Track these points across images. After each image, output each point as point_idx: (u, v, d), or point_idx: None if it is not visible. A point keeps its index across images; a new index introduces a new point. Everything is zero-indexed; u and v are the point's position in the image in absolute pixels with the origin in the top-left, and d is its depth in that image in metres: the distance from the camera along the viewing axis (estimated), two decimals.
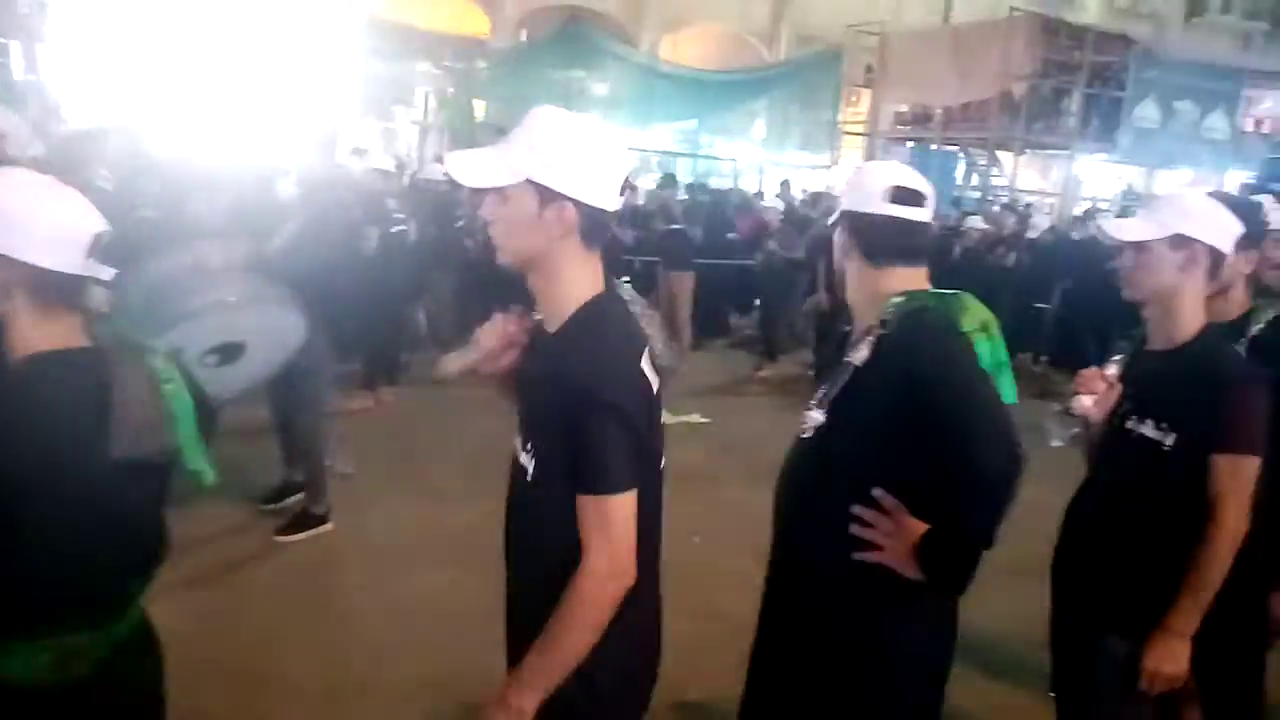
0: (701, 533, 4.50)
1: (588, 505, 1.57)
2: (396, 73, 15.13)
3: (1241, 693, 2.68)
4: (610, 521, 1.56)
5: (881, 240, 2.01)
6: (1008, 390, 1.91)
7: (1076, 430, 2.33)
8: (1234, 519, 2.09)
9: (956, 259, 9.67)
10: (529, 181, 1.57)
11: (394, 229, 7.28)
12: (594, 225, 1.62)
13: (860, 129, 18.76)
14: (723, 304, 10.85)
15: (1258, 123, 18.04)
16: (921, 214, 1.99)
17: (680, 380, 8.23)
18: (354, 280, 5.33)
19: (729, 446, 6.63)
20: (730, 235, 10.23)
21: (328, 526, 4.65)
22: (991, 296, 8.56)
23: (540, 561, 1.67)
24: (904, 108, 18.06)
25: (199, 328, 3.58)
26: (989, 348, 1.91)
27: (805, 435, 2.08)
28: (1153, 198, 2.59)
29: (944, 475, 1.83)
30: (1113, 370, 2.28)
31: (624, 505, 1.56)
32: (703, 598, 3.52)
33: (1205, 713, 2.73)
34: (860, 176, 2.10)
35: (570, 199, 1.57)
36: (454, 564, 4.26)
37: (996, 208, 13.04)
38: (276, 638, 3.67)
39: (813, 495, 2.08)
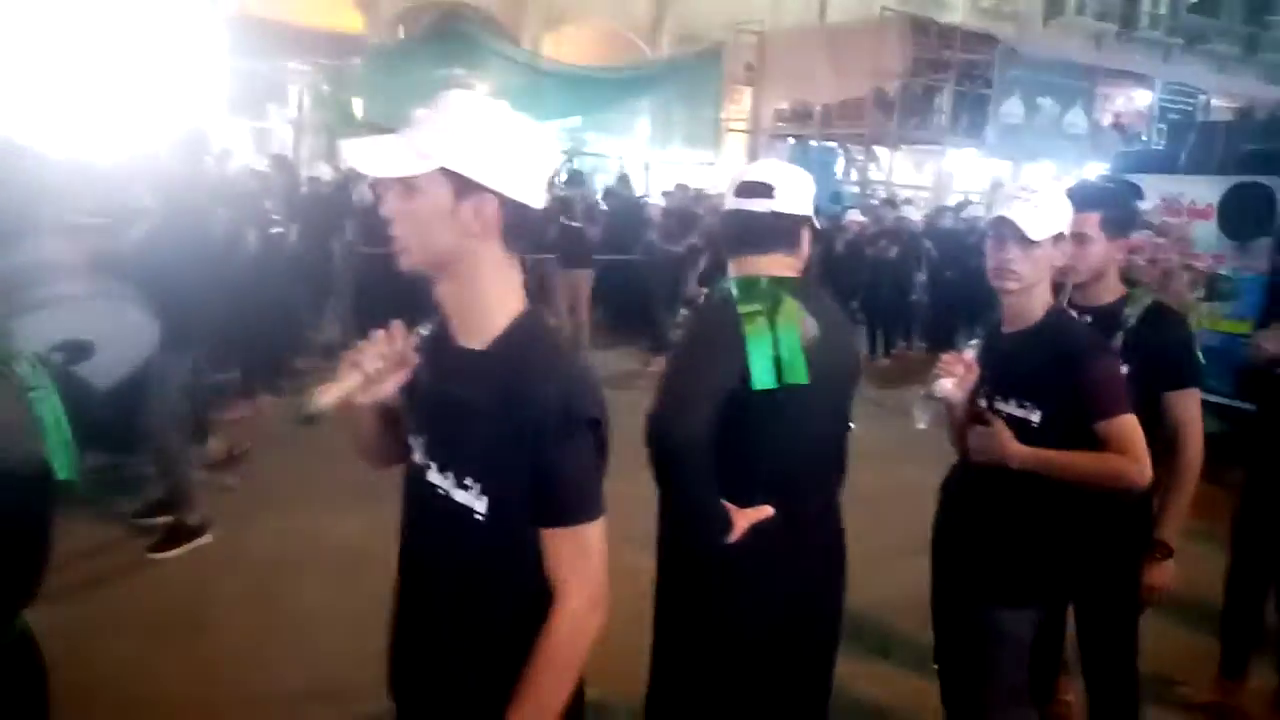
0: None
1: (562, 538, 1.43)
2: (267, 70, 14.62)
3: (1117, 660, 2.79)
4: (588, 553, 1.44)
5: (729, 232, 2.21)
6: (798, 372, 2.05)
7: (941, 412, 2.40)
8: (1140, 468, 2.20)
9: (840, 252, 9.94)
10: (443, 170, 1.38)
11: (271, 230, 7.04)
12: (518, 224, 1.43)
13: (743, 126, 19.08)
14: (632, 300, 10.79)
15: (1117, 116, 19.11)
16: (766, 204, 2.11)
17: None
18: (226, 284, 5.13)
19: (615, 440, 6.65)
20: (651, 236, 10.20)
21: (206, 539, 4.46)
22: (873, 287, 8.84)
23: (498, 609, 1.49)
24: (784, 105, 18.43)
25: (41, 321, 3.38)
26: (770, 333, 2.04)
27: None
28: (1025, 188, 2.68)
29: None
30: (970, 353, 2.35)
31: (600, 533, 1.45)
32: None
33: (1085, 680, 2.86)
34: (730, 178, 2.26)
35: (492, 191, 1.40)
36: (341, 574, 4.14)
37: (875, 202, 13.46)
38: (152, 657, 3.50)
39: None
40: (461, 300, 1.47)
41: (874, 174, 17.42)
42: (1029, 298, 2.31)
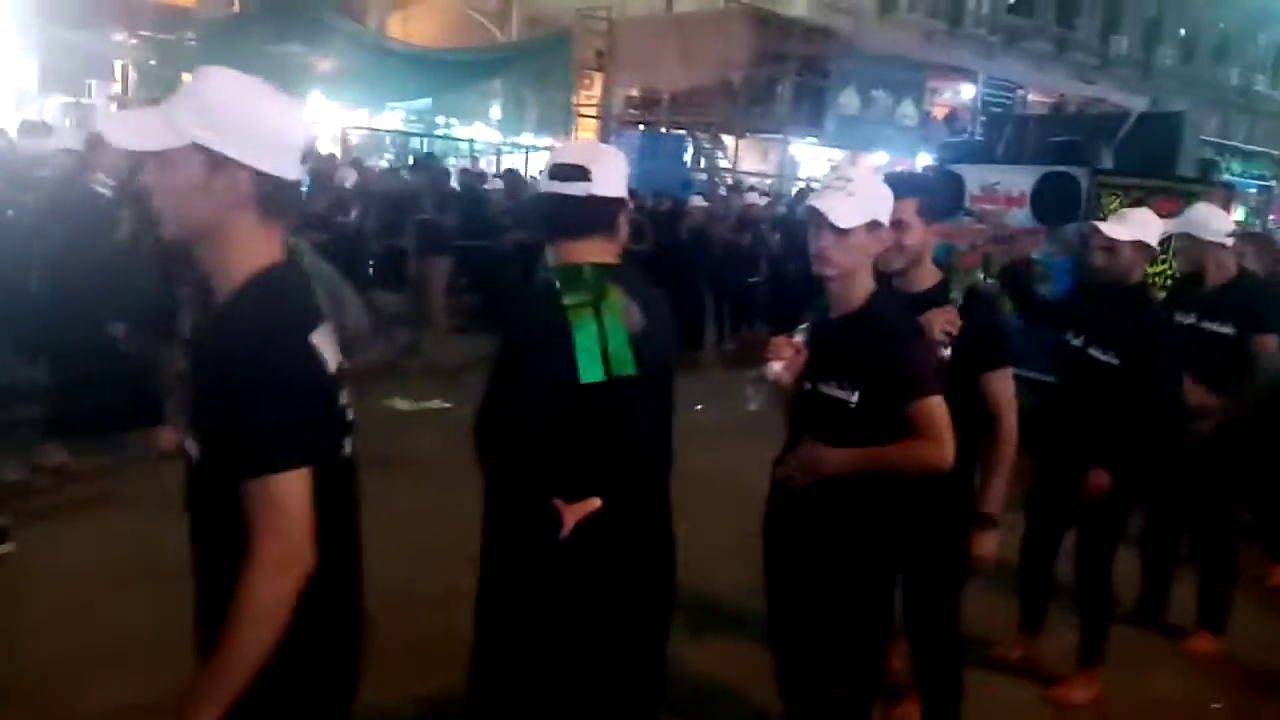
0: (440, 516, 4.40)
1: (252, 489, 1.42)
2: (87, 43, 13.65)
3: (941, 625, 2.95)
4: (277, 504, 1.42)
5: (546, 217, 2.15)
6: (626, 364, 2.04)
7: (772, 393, 2.46)
8: (941, 451, 2.29)
9: (684, 238, 10.13)
10: (195, 145, 1.43)
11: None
12: (273, 195, 1.50)
13: (594, 112, 19.14)
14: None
15: (952, 110, 20.19)
16: (583, 187, 2.06)
17: (429, 365, 8.05)
18: (35, 277, 4.79)
19: (468, 431, 6.59)
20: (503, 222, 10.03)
21: (7, 547, 4.12)
22: (720, 272, 8.96)
23: (215, 560, 1.51)
24: (635, 92, 18.63)
25: None
26: (594, 325, 2.01)
27: None
28: (842, 177, 2.75)
29: None
30: (799, 337, 2.43)
31: (292, 485, 1.43)
32: (443, 583, 3.54)
33: (910, 645, 3.02)
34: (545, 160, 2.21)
35: (244, 165, 1.45)
36: (163, 579, 3.91)
37: (722, 190, 13.80)
38: None
39: None
40: (215, 265, 1.53)
41: (721, 161, 17.84)
42: (850, 284, 2.37)
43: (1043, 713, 3.56)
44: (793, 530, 2.51)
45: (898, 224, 2.58)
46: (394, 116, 16.60)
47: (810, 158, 19.45)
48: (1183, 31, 33.61)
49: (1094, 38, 30.50)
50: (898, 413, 2.29)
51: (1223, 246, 3.95)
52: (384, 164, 13.03)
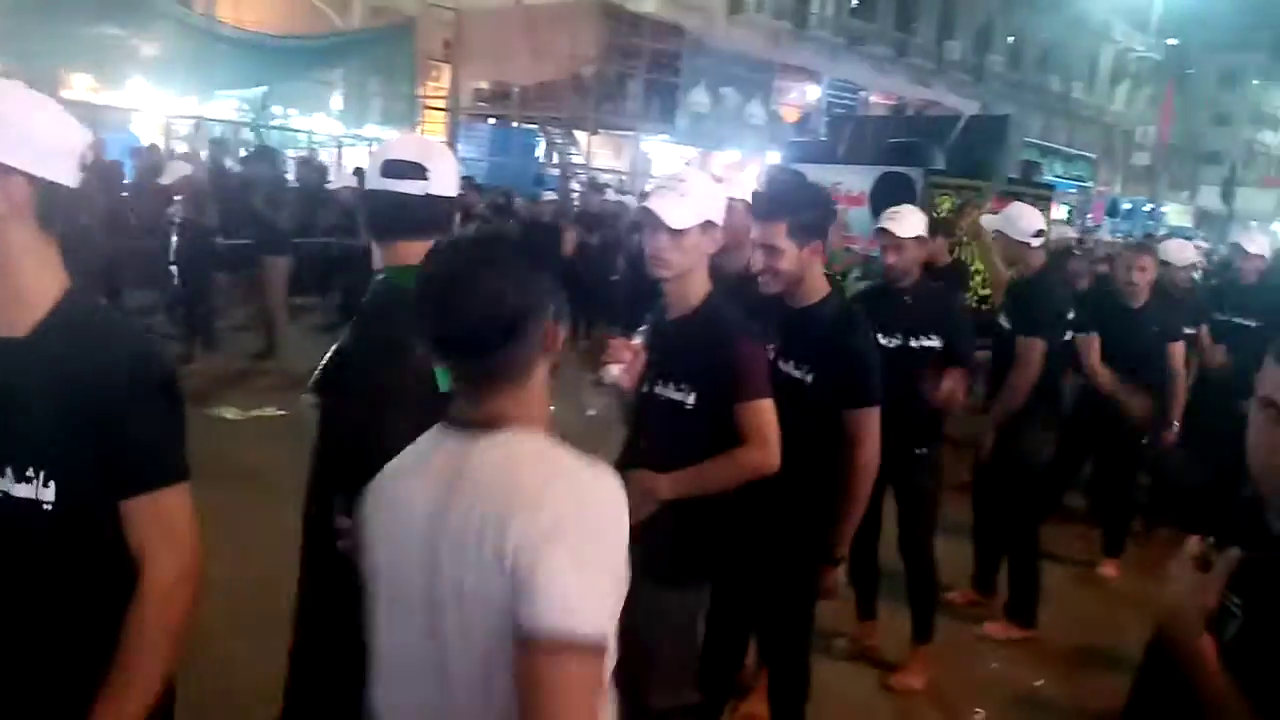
0: (279, 534, 4.17)
1: (141, 507, 1.40)
2: None
3: (792, 641, 2.93)
4: (171, 517, 1.42)
5: (379, 216, 2.02)
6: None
7: (612, 398, 2.42)
8: (765, 455, 2.27)
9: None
10: None
11: None
12: (51, 204, 1.40)
13: (442, 104, 18.71)
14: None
15: (802, 110, 20.73)
16: (420, 186, 1.96)
17: (266, 370, 7.60)
18: None
19: (305, 439, 6.30)
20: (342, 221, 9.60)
21: None
22: (579, 270, 8.77)
23: (79, 605, 1.43)
24: (484, 84, 18.30)
25: None
26: None
27: None
28: (674, 177, 2.66)
29: None
30: (638, 340, 2.40)
31: (183, 497, 1.44)
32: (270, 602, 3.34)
33: (760, 646, 3.04)
34: (372, 155, 2.09)
35: (19, 171, 1.35)
36: None
37: (577, 187, 13.72)
38: None
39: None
40: (3, 286, 1.40)
41: (574, 157, 17.75)
42: (686, 284, 2.36)
43: (883, 700, 3.66)
44: (636, 533, 2.45)
45: (770, 249, 2.56)
46: (226, 105, 15.75)
47: (662, 154, 19.60)
48: (1011, 39, 35.72)
49: (931, 43, 32.04)
50: (731, 414, 2.28)
51: (1027, 246, 4.14)
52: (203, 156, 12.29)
